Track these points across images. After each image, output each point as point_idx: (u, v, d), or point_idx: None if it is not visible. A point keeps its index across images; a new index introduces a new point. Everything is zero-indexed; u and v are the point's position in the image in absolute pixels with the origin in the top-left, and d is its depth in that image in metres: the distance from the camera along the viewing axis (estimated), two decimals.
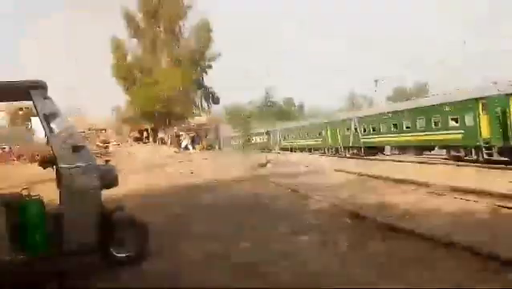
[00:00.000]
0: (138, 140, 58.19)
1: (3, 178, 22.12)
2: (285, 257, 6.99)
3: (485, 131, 21.28)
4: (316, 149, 42.52)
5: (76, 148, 6.06)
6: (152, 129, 59.26)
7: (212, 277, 6.19)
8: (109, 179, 6.58)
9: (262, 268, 6.41)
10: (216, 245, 7.91)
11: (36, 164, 7.76)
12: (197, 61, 56.70)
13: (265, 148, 39.45)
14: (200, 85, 59.48)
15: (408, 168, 20.09)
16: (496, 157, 20.42)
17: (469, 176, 14.95)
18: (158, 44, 56.78)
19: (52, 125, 6.12)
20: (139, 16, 56.36)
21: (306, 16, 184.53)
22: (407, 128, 28.78)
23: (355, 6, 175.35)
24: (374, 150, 33.64)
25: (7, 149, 40.63)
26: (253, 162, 25.44)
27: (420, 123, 27.23)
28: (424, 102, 29.42)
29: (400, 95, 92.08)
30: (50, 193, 7.20)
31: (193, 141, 59.83)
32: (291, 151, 46.06)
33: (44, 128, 6.19)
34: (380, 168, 19.36)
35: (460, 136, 23.30)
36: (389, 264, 6.41)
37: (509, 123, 19.51)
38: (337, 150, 38.63)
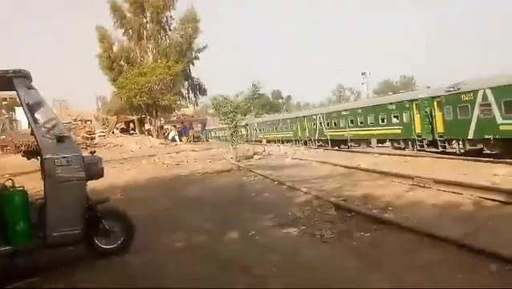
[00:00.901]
0: (124, 131, 57.57)
1: None
2: (270, 250, 7.03)
3: (418, 127, 25.46)
4: (288, 141, 45.20)
5: (61, 139, 6.00)
6: (138, 120, 58.83)
7: (195, 269, 6.20)
8: (94, 170, 6.54)
9: (246, 261, 6.43)
10: (200, 238, 7.93)
11: (20, 154, 7.68)
12: (185, 52, 56.35)
13: (248, 141, 40.06)
14: (187, 76, 59.13)
15: (389, 160, 20.23)
16: (426, 148, 24.63)
17: (452, 168, 15.07)
18: (145, 35, 56.23)
19: (36, 115, 6.07)
20: (125, 6, 55.65)
21: (305, 14, 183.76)
22: (361, 123, 32.52)
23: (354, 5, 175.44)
24: (338, 142, 36.18)
25: None
26: (239, 154, 25.39)
27: (371, 119, 30.96)
28: (374, 101, 34.50)
29: (387, 88, 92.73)
30: (34, 184, 7.14)
31: (180, 133, 59.66)
32: (267, 142, 47.07)
33: (28, 119, 6.14)
34: (364, 161, 19.44)
35: (400, 130, 27.61)
36: (373, 254, 6.50)
37: (434, 120, 23.74)
38: (305, 142, 41.72)
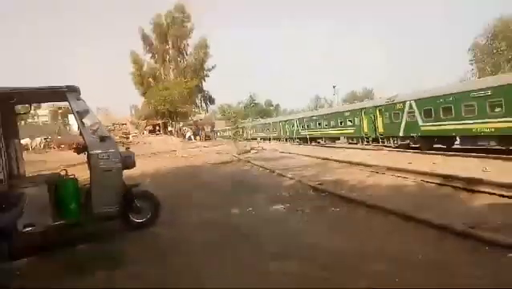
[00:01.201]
0: (152, 132, 57.71)
1: (48, 162, 21.86)
2: (264, 221, 7.08)
3: (365, 128, 27.12)
4: (274, 139, 46.45)
5: (103, 138, 6.09)
6: (163, 124, 59.15)
7: (205, 237, 6.24)
8: (129, 162, 6.59)
9: (246, 230, 6.49)
10: (210, 212, 7.95)
11: (72, 151, 7.69)
12: (198, 71, 56.81)
13: (247, 139, 40.95)
14: (200, 89, 59.58)
15: (354, 153, 20.29)
16: (371, 144, 26.29)
17: (401, 158, 15.14)
18: (167, 58, 56.88)
19: (84, 121, 6.12)
20: (152, 36, 56.16)
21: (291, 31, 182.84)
22: (325, 125, 33.90)
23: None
24: (312, 140, 36.95)
25: (49, 139, 40.04)
26: (239, 149, 25.40)
27: (332, 123, 32.47)
28: (334, 109, 37.16)
29: (352, 98, 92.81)
30: (82, 173, 7.15)
31: (195, 133, 59.91)
32: (260, 140, 47.83)
33: (77, 123, 6.19)
34: (338, 154, 19.48)
35: (353, 130, 29.22)
36: (342, 223, 6.59)
37: (376, 123, 25.47)
38: (286, 140, 42.84)
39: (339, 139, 32.66)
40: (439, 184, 8.91)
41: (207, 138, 60.01)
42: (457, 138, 19.20)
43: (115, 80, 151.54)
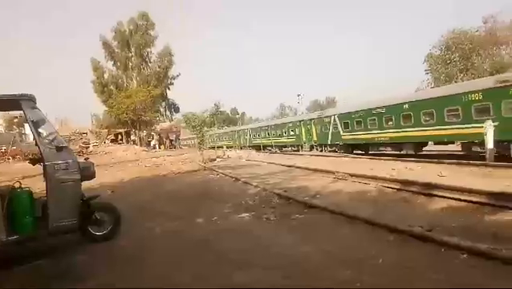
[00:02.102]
0: (114, 141, 56.06)
1: (1, 173, 20.69)
2: (229, 230, 7.03)
3: (304, 137, 31.91)
4: (230, 147, 47.34)
5: (59, 149, 5.86)
6: (125, 132, 57.71)
7: (168, 248, 6.12)
8: (88, 173, 6.35)
9: (210, 240, 6.41)
10: (175, 223, 7.81)
11: (27, 162, 7.34)
12: (162, 79, 55.96)
13: (212, 147, 41.10)
14: (164, 98, 58.73)
15: (318, 160, 20.67)
16: (307, 151, 30.06)
17: (361, 165, 15.59)
18: (130, 66, 55.65)
19: (40, 130, 5.87)
20: (114, 43, 54.84)
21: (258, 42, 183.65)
22: (273, 134, 38.16)
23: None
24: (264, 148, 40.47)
25: (3, 150, 37.94)
26: (205, 158, 25.18)
27: (279, 132, 36.95)
28: (280, 121, 41.96)
29: (316, 106, 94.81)
30: (39, 185, 6.83)
31: (159, 142, 58.91)
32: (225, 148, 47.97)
33: (33, 133, 5.93)
34: (299, 161, 19.74)
35: (294, 139, 33.79)
36: (307, 230, 6.63)
37: (311, 133, 30.29)
38: (241, 148, 44.24)
39: (286, 147, 36.02)
40: (398, 189, 9.23)
41: (172, 147, 59.15)
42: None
43: (75, 89, 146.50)
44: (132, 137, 57.09)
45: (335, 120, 26.51)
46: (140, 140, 55.24)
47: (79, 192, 6.10)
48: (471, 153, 16.53)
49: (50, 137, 5.88)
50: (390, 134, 20.87)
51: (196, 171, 19.57)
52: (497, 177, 9.57)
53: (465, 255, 4.59)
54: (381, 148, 22.40)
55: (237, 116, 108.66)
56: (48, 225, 5.77)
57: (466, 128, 16.57)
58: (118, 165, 26.43)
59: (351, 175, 11.61)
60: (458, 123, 16.98)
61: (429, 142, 20.11)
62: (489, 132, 14.42)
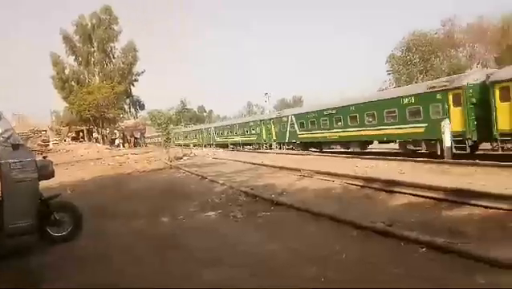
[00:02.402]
0: (75, 139, 54.04)
1: None
2: (195, 228, 6.96)
3: (264, 136, 33.29)
4: (197, 146, 47.94)
5: (16, 147, 5.57)
6: (87, 130, 55.78)
7: (133, 248, 5.98)
8: (46, 172, 6.08)
9: (176, 239, 6.33)
10: (139, 222, 7.66)
11: None
12: (126, 75, 54.42)
13: (179, 145, 40.85)
14: (128, 94, 57.14)
15: (283, 158, 20.87)
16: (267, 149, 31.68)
17: (327, 162, 15.87)
18: (92, 61, 53.74)
19: None
20: (76, 37, 52.80)
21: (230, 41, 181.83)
22: (235, 133, 39.66)
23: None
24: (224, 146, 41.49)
25: None
26: (171, 156, 24.79)
27: (241, 131, 38.40)
28: (242, 120, 44.47)
29: (283, 105, 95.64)
30: None
31: (123, 140, 57.42)
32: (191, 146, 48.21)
33: None
34: (268, 159, 19.84)
35: (255, 138, 35.07)
36: (273, 227, 6.69)
37: (271, 132, 31.82)
38: (204, 146, 45.33)
39: (249, 145, 37.12)
40: (361, 186, 9.48)
41: (137, 145, 57.81)
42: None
43: (34, 84, 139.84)
44: (95, 135, 55.34)
45: (292, 119, 28.15)
46: (103, 138, 53.64)
47: (36, 191, 5.83)
48: (406, 151, 18.24)
49: (6, 135, 5.59)
50: (339, 133, 22.76)
51: (161, 169, 19.25)
52: (453, 174, 10.02)
53: (423, 249, 4.77)
54: (332, 146, 24.43)
55: (205, 114, 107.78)
56: (3, 226, 5.49)
57: (402, 128, 18.26)
58: (79, 164, 25.51)
59: (317, 172, 11.80)
60: (395, 124, 18.67)
61: (374, 141, 22.04)
62: (446, 131, 15.08)
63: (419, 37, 44.86)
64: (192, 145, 47.18)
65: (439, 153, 15.90)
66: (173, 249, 5.75)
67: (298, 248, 5.38)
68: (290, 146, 28.85)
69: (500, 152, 14.55)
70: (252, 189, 10.42)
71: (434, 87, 16.81)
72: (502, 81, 13.98)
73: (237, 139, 38.74)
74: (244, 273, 4.58)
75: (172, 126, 29.74)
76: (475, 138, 15.11)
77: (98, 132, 54.48)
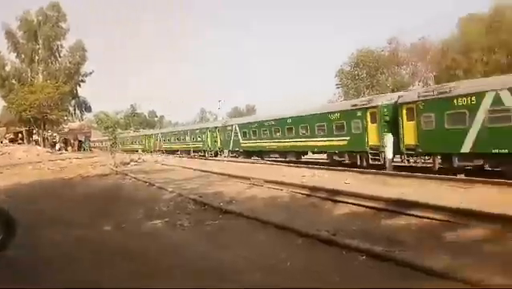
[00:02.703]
0: (13, 141, 50.34)
1: None
2: (138, 237, 6.74)
3: (210, 143, 33.90)
4: (145, 151, 46.78)
5: None
6: (27, 132, 52.15)
7: (72, 258, 5.65)
8: None
9: (118, 248, 6.08)
10: (80, 230, 7.25)
11: None
12: (73, 75, 51.69)
13: (126, 150, 39.69)
14: (74, 95, 54.27)
15: (233, 166, 20.87)
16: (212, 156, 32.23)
17: (278, 172, 16.08)
18: (36, 59, 50.44)
19: None
20: (19, 33, 49.52)
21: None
22: (182, 140, 40.18)
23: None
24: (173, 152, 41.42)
25: None
26: (117, 161, 23.89)
27: (187, 138, 38.84)
28: (188, 127, 45.91)
29: (236, 113, 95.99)
30: None
31: (66, 143, 54.47)
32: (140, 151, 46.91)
33: None
34: (216, 166, 19.72)
35: (201, 144, 35.45)
36: (221, 236, 6.65)
37: (216, 140, 32.92)
38: (151, 152, 44.41)
39: (196, 152, 37.01)
40: (308, 195, 9.70)
41: (81, 149, 55.04)
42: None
43: None
44: (35, 137, 51.89)
45: (236, 128, 29.56)
46: (44, 141, 50.45)
47: None
48: (333, 161, 19.82)
49: None
50: (278, 143, 24.54)
51: (107, 175, 18.48)
52: (394, 185, 10.56)
53: (363, 257, 4.95)
54: (271, 155, 25.77)
55: (156, 119, 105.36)
56: None
57: (329, 140, 20.01)
58: (17, 167, 23.83)
59: (266, 181, 11.92)
60: (325, 136, 20.37)
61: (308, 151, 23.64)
62: (388, 144, 15.91)
63: (366, 53, 47.10)
64: (140, 151, 45.88)
65: (358, 163, 17.78)
66: (115, 260, 5.50)
67: (247, 256, 5.37)
68: (234, 154, 30.28)
69: (416, 165, 15.97)
70: (201, 196, 10.31)
71: (356, 105, 18.72)
72: (408, 103, 15.75)
73: (184, 145, 39.24)
74: (189, 282, 4.49)
75: (120, 130, 28.64)
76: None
77: (38, 134, 51.18)
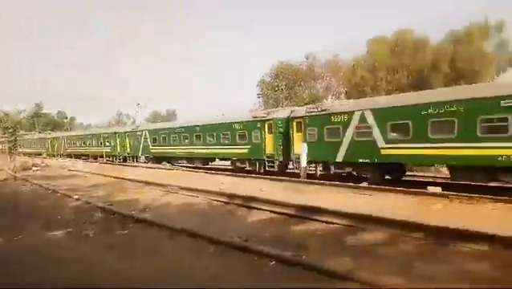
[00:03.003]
0: None
1: None
2: (34, 250, 6.12)
3: (118, 148, 33.26)
4: (48, 155, 44.26)
5: None
6: None
7: None
8: None
9: (11, 262, 5.46)
10: None
11: None
12: None
13: (28, 154, 36.14)
14: None
15: (150, 172, 20.16)
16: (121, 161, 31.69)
17: (196, 179, 15.86)
18: None
19: None
20: None
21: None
22: (89, 144, 38.63)
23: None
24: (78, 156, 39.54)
25: None
26: (17, 166, 21.59)
27: (95, 142, 37.54)
28: (95, 131, 43.21)
29: (156, 117, 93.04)
30: None
31: None
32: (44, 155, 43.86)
33: None
34: (132, 172, 18.85)
35: (110, 149, 34.49)
36: (129, 246, 6.33)
37: (125, 145, 32.45)
38: (54, 156, 42.40)
39: (101, 157, 35.97)
40: (225, 202, 9.72)
41: None
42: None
43: None
44: None
45: (146, 134, 29.83)
46: None
47: None
48: (236, 168, 20.98)
49: None
50: (186, 150, 25.33)
51: (4, 180, 16.62)
52: (306, 192, 11.04)
53: (273, 262, 5.08)
54: (180, 161, 26.62)
55: (66, 121, 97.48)
56: None
57: (233, 148, 21.27)
58: None
59: (182, 188, 11.69)
60: (229, 144, 21.60)
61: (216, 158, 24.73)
62: (303, 153, 16.65)
63: (286, 66, 49.09)
64: (45, 154, 42.17)
65: (257, 170, 19.41)
66: (6, 275, 4.94)
67: (157, 266, 5.19)
68: (150, 160, 30.15)
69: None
70: (111, 204, 9.77)
71: (256, 117, 20.32)
72: (297, 117, 17.59)
73: (94, 150, 37.67)
74: None
75: (23, 131, 25.89)
76: (281, 159, 18.64)
77: None
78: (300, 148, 16.68)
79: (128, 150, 32.34)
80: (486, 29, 36.47)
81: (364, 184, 12.87)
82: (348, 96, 39.42)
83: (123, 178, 16.12)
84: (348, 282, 4.24)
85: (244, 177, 16.06)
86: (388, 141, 13.83)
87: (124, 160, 32.15)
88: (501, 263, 4.71)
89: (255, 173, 18.12)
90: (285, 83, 49.10)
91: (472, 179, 12.23)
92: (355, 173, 15.39)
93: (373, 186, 11.56)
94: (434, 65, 36.25)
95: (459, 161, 12.06)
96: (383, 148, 13.94)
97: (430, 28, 75.48)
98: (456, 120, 11.88)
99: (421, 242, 5.68)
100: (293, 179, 14.45)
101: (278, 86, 49.28)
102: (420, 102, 12.92)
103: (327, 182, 12.84)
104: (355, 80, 40.47)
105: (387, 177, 15.06)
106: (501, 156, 10.98)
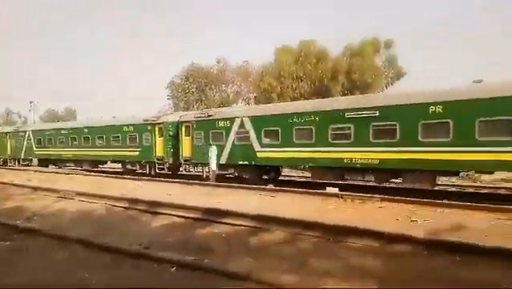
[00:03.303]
0: None
1: None
2: None
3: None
4: None
5: None
6: None
7: None
8: None
9: None
10: None
11: None
12: None
13: None
14: None
15: (42, 176, 18.26)
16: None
17: (96, 183, 14.77)
18: None
19: None
20: None
21: None
22: None
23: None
24: None
25: None
26: None
27: None
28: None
29: (52, 116, 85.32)
30: None
31: None
32: None
33: None
34: (20, 177, 16.84)
35: (10, 152, 30.56)
36: (10, 258, 5.65)
37: (6, 147, 29.86)
38: None
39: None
40: (126, 207, 9.17)
41: None
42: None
43: None
44: None
45: (29, 135, 27.91)
46: None
47: None
48: (126, 170, 21.29)
49: None
50: (74, 152, 24.53)
51: None
52: (214, 195, 10.95)
53: (174, 268, 4.89)
54: (67, 164, 25.65)
55: None
56: None
57: (124, 151, 21.31)
58: None
59: (79, 194, 10.79)
60: (120, 147, 21.53)
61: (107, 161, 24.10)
62: (212, 156, 16.59)
63: (197, 69, 48.60)
64: None
65: (147, 172, 20.03)
66: None
67: (43, 280, 4.65)
68: (26, 162, 28.23)
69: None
70: None
71: (147, 120, 20.43)
72: (186, 122, 18.42)
73: None
74: None
75: None
76: (171, 161, 19.31)
77: None
78: (189, 151, 17.84)
79: (9, 152, 29.95)
80: (378, 45, 40.50)
81: (270, 186, 13.28)
82: (257, 102, 40.49)
83: (7, 183, 14.35)
84: (248, 282, 4.26)
85: (152, 180, 15.45)
86: (263, 145, 15.36)
87: (5, 162, 29.72)
88: (386, 256, 5.17)
89: (163, 176, 17.53)
90: (196, 85, 48.61)
91: (326, 178, 14.25)
92: (236, 174, 16.78)
93: (277, 188, 11.97)
94: (333, 75, 39.15)
95: (316, 163, 13.98)
96: (259, 152, 15.45)
97: (330, 40, 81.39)
98: (313, 128, 13.78)
99: (318, 240, 5.98)
100: (203, 182, 14.28)
101: (188, 88, 48.59)
102: (288, 112, 14.77)
103: (235, 185, 12.94)
104: (263, 86, 41.67)
105: (264, 176, 16.66)
106: (346, 158, 13.02)
